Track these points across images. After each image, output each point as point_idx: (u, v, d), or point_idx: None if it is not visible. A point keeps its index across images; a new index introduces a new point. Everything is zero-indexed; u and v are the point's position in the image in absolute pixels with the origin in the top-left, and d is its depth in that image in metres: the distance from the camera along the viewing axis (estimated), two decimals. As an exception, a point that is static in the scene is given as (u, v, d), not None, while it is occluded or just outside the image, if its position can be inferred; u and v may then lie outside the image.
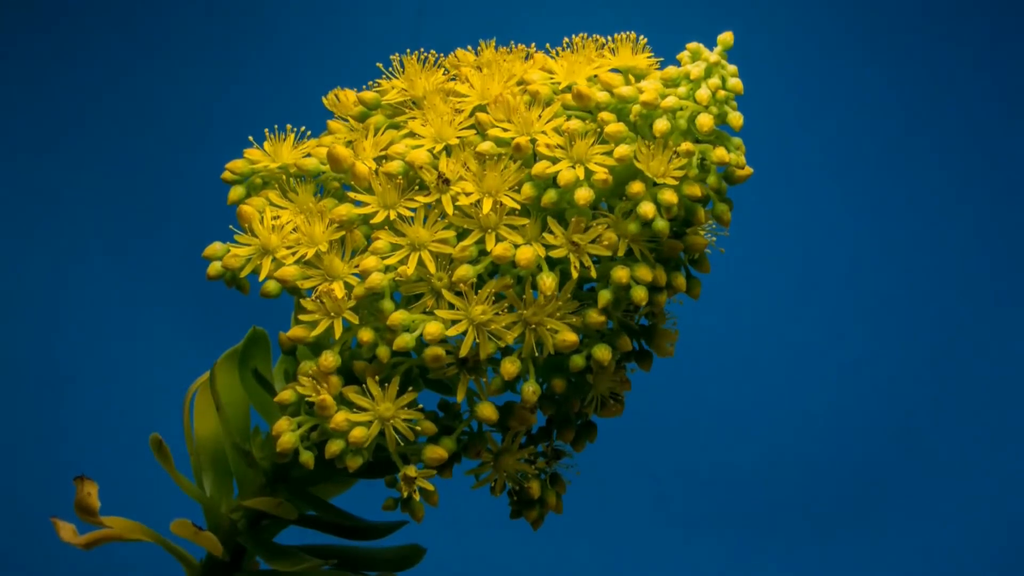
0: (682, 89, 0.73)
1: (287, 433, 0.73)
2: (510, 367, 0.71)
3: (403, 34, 1.52)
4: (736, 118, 0.72)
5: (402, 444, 0.72)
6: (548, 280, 0.70)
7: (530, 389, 0.72)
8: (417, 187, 0.73)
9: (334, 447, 0.72)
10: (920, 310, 1.56)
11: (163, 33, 1.56)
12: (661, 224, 0.71)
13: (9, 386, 1.48)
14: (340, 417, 0.71)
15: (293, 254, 0.73)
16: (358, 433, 0.71)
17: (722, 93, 0.72)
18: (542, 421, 0.78)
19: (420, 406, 0.73)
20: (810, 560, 1.51)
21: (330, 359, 0.72)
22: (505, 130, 0.73)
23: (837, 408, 1.54)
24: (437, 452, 0.73)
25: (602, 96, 0.73)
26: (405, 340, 0.70)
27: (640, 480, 1.53)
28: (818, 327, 1.56)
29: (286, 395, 0.73)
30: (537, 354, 0.72)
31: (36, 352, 1.50)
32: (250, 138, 0.79)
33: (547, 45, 0.78)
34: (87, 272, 1.52)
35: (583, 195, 0.70)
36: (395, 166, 0.73)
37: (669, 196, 0.70)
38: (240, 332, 0.82)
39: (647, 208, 0.70)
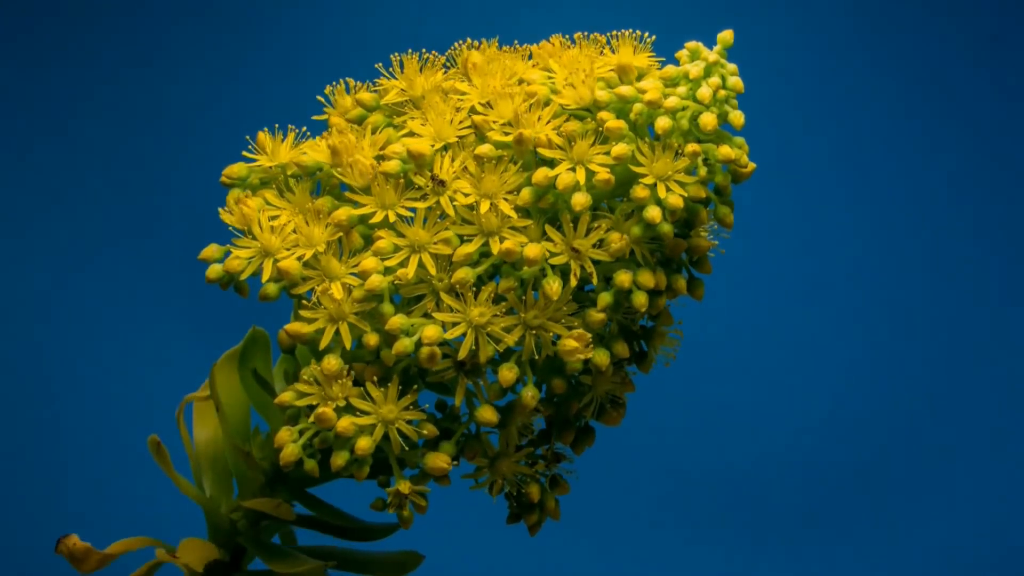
0: (682, 89, 0.72)
1: (289, 445, 0.72)
2: (508, 374, 0.70)
3: (403, 34, 1.52)
4: (737, 117, 0.72)
5: (407, 448, 0.72)
6: (554, 285, 0.69)
7: (529, 394, 0.71)
8: (416, 188, 0.72)
9: (339, 460, 0.71)
10: (921, 310, 1.56)
11: (162, 33, 1.55)
12: (667, 228, 0.70)
13: (6, 387, 1.48)
14: (346, 422, 0.70)
15: (292, 255, 0.73)
16: (364, 443, 0.70)
17: (723, 92, 0.72)
18: (541, 423, 0.78)
19: (427, 405, 0.72)
20: (810, 560, 1.50)
21: (333, 363, 0.71)
22: (507, 133, 0.72)
23: (837, 408, 1.54)
24: (439, 462, 0.72)
25: (603, 95, 0.72)
26: (404, 344, 0.69)
27: (640, 481, 1.52)
28: (818, 327, 1.56)
29: (286, 396, 0.72)
30: (536, 356, 0.71)
31: (33, 353, 1.50)
32: (247, 138, 0.79)
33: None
34: (85, 272, 1.51)
35: (579, 200, 0.69)
36: (393, 166, 0.72)
37: (675, 200, 0.70)
38: (240, 332, 0.81)
39: (654, 212, 0.70)
